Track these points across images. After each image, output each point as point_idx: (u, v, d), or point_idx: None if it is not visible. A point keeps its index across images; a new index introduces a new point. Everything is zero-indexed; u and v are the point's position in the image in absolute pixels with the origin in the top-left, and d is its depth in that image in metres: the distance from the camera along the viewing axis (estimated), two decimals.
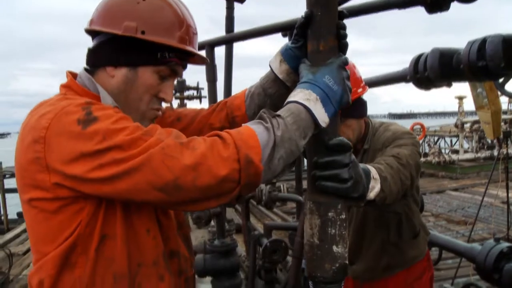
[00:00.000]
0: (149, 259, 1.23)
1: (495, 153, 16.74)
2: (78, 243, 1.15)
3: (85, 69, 1.32)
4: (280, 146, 1.11)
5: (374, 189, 1.49)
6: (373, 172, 1.52)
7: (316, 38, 1.26)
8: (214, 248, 4.09)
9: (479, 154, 18.85)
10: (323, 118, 1.19)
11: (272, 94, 1.45)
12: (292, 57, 1.38)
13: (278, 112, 1.17)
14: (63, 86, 1.29)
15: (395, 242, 2.20)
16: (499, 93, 5.90)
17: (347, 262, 1.27)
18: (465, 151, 19.61)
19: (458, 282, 5.29)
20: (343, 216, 1.26)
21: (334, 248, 1.24)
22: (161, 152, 1.05)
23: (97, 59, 1.30)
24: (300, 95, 1.19)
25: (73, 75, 1.33)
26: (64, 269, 1.16)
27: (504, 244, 2.70)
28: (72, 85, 1.28)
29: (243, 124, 1.16)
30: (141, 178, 1.05)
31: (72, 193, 1.11)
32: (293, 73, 1.39)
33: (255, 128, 1.12)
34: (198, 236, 7.90)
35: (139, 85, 1.27)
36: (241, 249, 5.84)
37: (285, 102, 1.21)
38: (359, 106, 2.08)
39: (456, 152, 19.90)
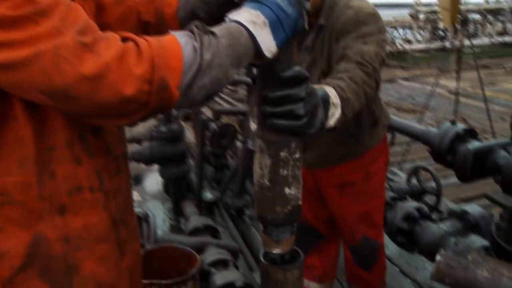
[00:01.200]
0: (61, 141, 1.02)
1: (447, 44, 16.94)
2: None
3: None
4: (205, 72, 0.93)
5: (334, 116, 1.32)
6: (333, 96, 1.33)
7: None
8: (161, 134, 3.94)
9: (431, 45, 19.02)
10: (269, 46, 1.01)
11: (210, 1, 1.21)
12: None
13: (214, 29, 0.96)
14: None
15: (353, 133, 2.05)
16: None
17: (300, 203, 1.18)
18: (418, 41, 19.72)
19: (405, 166, 5.41)
20: (297, 156, 1.15)
21: (286, 190, 1.14)
22: (54, 52, 0.81)
23: None
24: (245, 15, 1.00)
25: None
26: None
27: (460, 126, 2.67)
28: None
29: (171, 32, 0.94)
30: (25, 76, 0.83)
31: None
32: None
33: (183, 45, 0.92)
34: (147, 126, 7.66)
35: None
36: (190, 136, 5.71)
37: (226, 19, 1.00)
38: None
39: (409, 42, 19.95)
